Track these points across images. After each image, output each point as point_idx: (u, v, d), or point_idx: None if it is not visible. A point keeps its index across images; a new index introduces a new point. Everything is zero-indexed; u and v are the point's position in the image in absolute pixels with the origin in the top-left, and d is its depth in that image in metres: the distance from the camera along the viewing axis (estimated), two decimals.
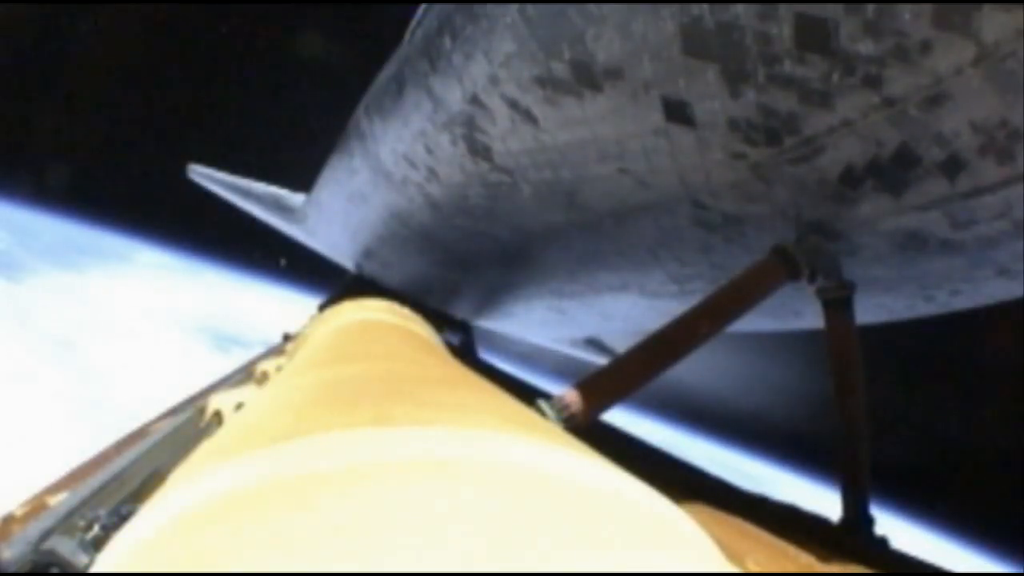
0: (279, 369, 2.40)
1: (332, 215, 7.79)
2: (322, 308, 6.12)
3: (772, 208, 3.13)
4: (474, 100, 3.72)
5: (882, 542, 3.37)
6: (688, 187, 3.25)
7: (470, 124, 3.92)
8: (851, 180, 2.71)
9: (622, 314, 5.94)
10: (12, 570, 1.01)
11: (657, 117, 2.96)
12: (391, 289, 8.29)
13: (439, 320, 5.93)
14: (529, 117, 3.50)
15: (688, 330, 3.19)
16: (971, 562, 9.65)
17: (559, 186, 3.87)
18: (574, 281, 5.46)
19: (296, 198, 9.18)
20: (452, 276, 7.01)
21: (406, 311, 3.28)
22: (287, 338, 4.92)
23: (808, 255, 3.37)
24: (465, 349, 8.69)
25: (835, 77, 2.36)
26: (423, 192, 5.13)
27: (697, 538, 0.67)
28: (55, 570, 1.03)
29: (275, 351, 4.04)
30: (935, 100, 2.23)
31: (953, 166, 2.43)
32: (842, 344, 3.55)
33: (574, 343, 9.36)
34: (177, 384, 3.59)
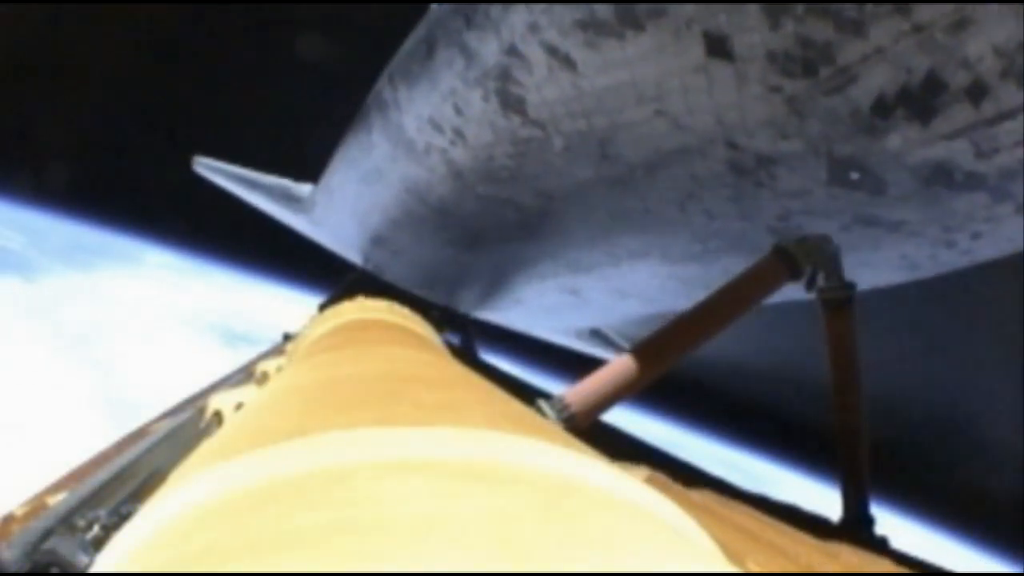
0: (279, 369, 2.40)
1: (343, 200, 7.73)
2: (322, 308, 6.11)
3: (805, 145, 3.18)
4: (511, 51, 3.74)
5: (882, 542, 3.38)
6: (724, 126, 3.30)
7: (505, 76, 3.93)
8: (882, 109, 2.79)
9: (639, 288, 5.92)
10: (12, 570, 1.01)
11: (698, 53, 3.02)
12: (395, 283, 8.26)
13: (439, 320, 5.90)
14: (568, 63, 3.53)
15: (688, 330, 3.20)
16: (972, 562, 9.66)
17: (592, 136, 3.90)
18: (594, 249, 5.42)
19: (303, 188, 9.14)
20: (464, 258, 6.95)
21: (406, 311, 3.28)
22: (287, 338, 4.92)
23: (809, 255, 3.37)
24: (465, 349, 8.69)
25: (868, 5, 2.44)
26: (446, 159, 5.11)
27: (697, 538, 0.67)
28: (55, 570, 1.03)
29: (275, 351, 4.04)
30: (960, 24, 2.33)
31: (977, 91, 2.53)
32: (842, 344, 3.55)
33: (580, 335, 9.32)
34: (188, 380, 3.61)
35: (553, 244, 5.68)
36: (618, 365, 3.15)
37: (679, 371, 3.32)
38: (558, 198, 4.74)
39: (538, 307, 7.82)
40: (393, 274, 8.35)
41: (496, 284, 7.55)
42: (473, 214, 5.66)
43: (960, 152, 2.79)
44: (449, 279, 7.88)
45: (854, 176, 3.17)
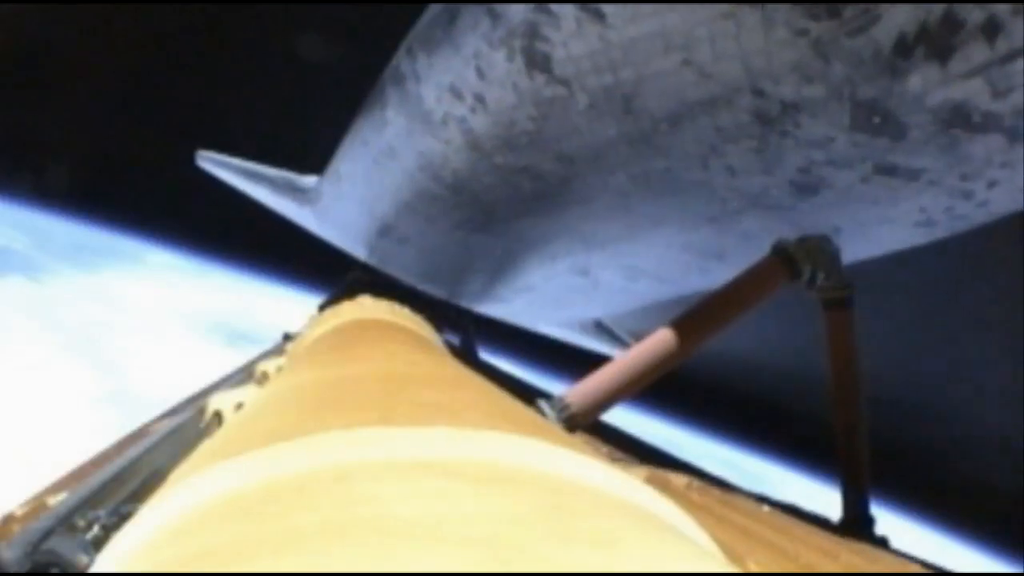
0: (279, 369, 2.40)
1: (351, 186, 7.66)
2: (322, 308, 6.11)
3: (828, 89, 3.29)
4: (539, 7, 3.79)
5: (883, 542, 3.38)
6: (750, 73, 3.37)
7: (532, 34, 3.97)
8: (903, 49, 2.90)
9: (652, 264, 5.90)
10: (12, 570, 1.01)
11: None
12: (398, 278, 8.22)
13: (439, 320, 5.89)
14: (597, 15, 3.58)
15: (688, 331, 3.20)
16: (974, 562, 9.66)
17: (617, 90, 3.94)
18: (611, 220, 5.40)
19: (308, 180, 9.11)
20: (474, 240, 6.88)
21: (406, 311, 3.29)
22: (287, 338, 4.92)
23: (808, 255, 3.37)
24: (465, 349, 8.68)
25: None
26: (464, 128, 5.10)
27: (697, 538, 0.68)
28: (55, 570, 1.03)
29: (275, 351, 4.04)
30: None
31: (992, 28, 2.65)
32: (842, 343, 3.56)
33: (584, 328, 9.26)
34: (193, 378, 3.63)
35: (569, 216, 5.65)
36: (618, 365, 3.16)
37: (678, 370, 3.32)
38: (579, 162, 4.75)
39: (545, 295, 7.77)
40: (398, 266, 8.31)
41: (504, 270, 7.48)
42: (488, 187, 5.63)
43: (977, 92, 2.90)
44: (455, 268, 7.81)
45: (875, 120, 3.24)
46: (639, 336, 3.41)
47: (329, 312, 3.53)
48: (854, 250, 3.85)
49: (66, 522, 1.13)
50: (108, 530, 1.10)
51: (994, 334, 6.85)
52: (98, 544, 1.07)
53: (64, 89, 11.21)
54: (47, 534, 1.08)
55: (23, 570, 1.02)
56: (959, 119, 3.05)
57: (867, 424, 3.56)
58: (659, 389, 3.39)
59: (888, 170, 3.48)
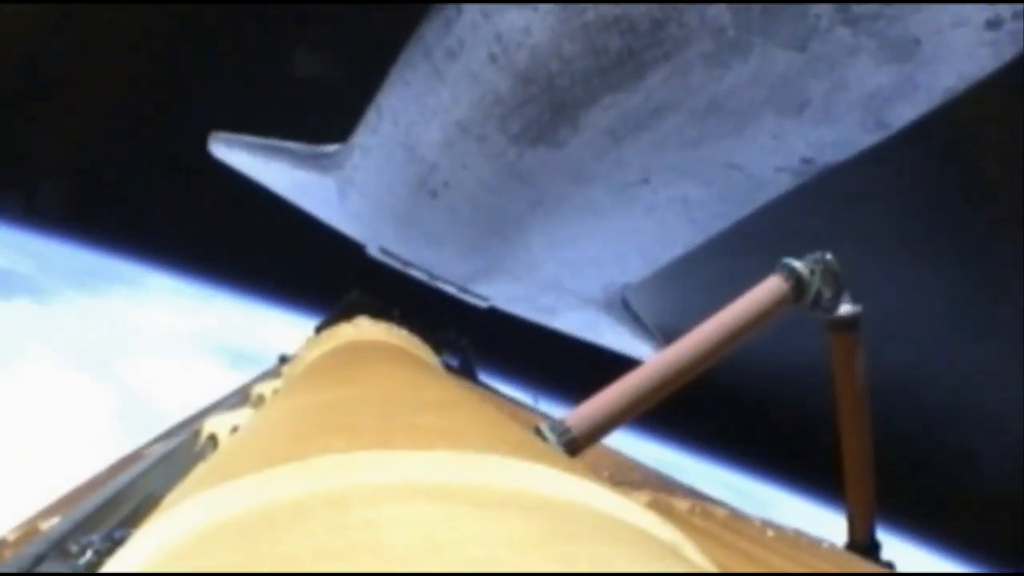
0: (275, 392, 2.38)
1: (392, 124, 7.27)
2: (319, 329, 6.08)
3: None
4: None
5: (888, 566, 3.34)
6: None
7: None
8: None
9: (723, 145, 5.71)
10: None
11: None
12: (417, 265, 8.00)
13: (438, 342, 5.85)
14: None
15: (691, 354, 3.19)
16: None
17: None
18: (695, 76, 5.21)
19: (333, 147, 8.75)
20: (528, 161, 6.47)
21: (403, 333, 3.28)
22: (284, 360, 4.90)
23: (814, 273, 3.36)
24: (464, 371, 8.65)
25: None
26: None
27: (700, 563, 0.66)
28: None
29: (271, 373, 4.02)
30: None
31: None
32: (848, 367, 3.53)
33: (609, 306, 8.89)
34: (202, 398, 3.62)
35: (652, 83, 5.34)
36: (619, 388, 3.14)
37: (681, 393, 3.30)
38: None
39: (589, 243, 7.32)
40: (426, 235, 7.90)
41: (551, 208, 7.09)
42: (568, 62, 5.42)
43: None
44: (493, 218, 7.40)
45: None
46: (656, 326, 3.36)
47: (326, 334, 3.52)
48: (932, 84, 3.89)
49: (59, 547, 1.11)
50: (101, 555, 1.08)
51: (1004, 351, 6.79)
52: (91, 569, 1.05)
53: (63, 114, 11.29)
54: (39, 559, 1.06)
55: None
56: None
57: (872, 448, 3.54)
58: (662, 412, 3.36)
59: None
